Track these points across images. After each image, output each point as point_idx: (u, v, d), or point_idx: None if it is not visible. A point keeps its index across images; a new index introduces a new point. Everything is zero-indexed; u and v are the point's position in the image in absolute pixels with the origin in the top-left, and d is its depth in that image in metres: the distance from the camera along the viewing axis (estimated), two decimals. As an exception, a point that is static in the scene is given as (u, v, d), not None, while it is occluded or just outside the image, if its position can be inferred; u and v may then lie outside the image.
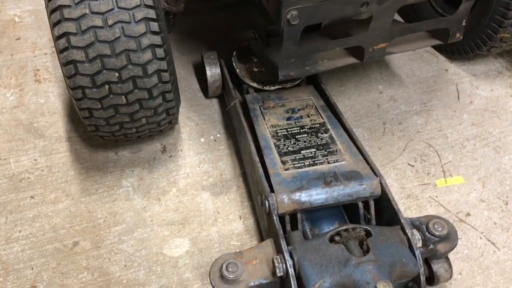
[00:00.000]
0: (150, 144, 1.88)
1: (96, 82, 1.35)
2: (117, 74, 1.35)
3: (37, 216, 1.65)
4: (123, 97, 1.40)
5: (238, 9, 2.49)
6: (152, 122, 1.58)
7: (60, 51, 1.31)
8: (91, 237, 1.60)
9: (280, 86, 1.81)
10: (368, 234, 1.28)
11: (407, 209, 1.69)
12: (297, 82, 1.84)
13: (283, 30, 1.43)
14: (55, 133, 1.91)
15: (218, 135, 1.93)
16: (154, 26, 1.34)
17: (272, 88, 1.81)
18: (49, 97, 2.05)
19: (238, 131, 1.79)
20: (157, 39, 1.35)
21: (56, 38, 1.30)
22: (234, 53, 1.94)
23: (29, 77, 2.14)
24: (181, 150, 1.87)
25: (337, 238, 1.28)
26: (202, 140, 1.91)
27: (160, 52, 1.37)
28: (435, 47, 2.29)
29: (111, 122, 1.50)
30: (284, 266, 1.21)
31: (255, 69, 1.89)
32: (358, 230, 1.30)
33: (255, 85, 1.83)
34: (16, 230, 1.61)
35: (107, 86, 1.36)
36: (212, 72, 1.95)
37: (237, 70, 1.87)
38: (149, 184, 1.75)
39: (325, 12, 1.44)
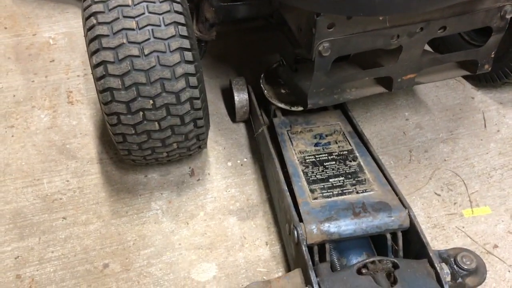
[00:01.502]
0: (179, 167, 1.91)
1: (131, 109, 1.39)
2: (151, 101, 1.39)
3: (69, 237, 1.69)
4: (156, 123, 1.45)
5: (265, 33, 2.54)
6: (183, 147, 1.62)
7: (97, 79, 1.37)
8: (121, 260, 1.63)
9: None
10: (395, 266, 1.29)
11: (434, 239, 1.69)
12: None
13: (315, 61, 1.46)
14: (86, 154, 1.96)
15: (245, 160, 1.96)
16: (188, 55, 1.39)
17: (300, 109, 1.84)
18: (81, 119, 2.11)
19: (265, 157, 1.82)
20: (190, 68, 1.40)
21: (94, 66, 1.36)
22: (262, 75, 1.98)
23: (62, 99, 2.20)
24: (208, 173, 1.91)
25: (364, 270, 1.29)
26: (229, 164, 1.95)
27: (193, 80, 1.42)
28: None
29: (143, 147, 1.54)
30: (313, 297, 1.23)
31: (283, 91, 1.92)
32: (385, 262, 1.30)
33: (282, 105, 1.85)
34: (49, 250, 1.66)
35: (141, 113, 1.41)
36: (240, 97, 1.99)
37: (265, 91, 1.90)
38: (178, 208, 1.78)
39: (356, 44, 1.47)
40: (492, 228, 1.72)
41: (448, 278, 1.29)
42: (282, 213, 1.57)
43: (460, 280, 1.32)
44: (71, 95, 2.22)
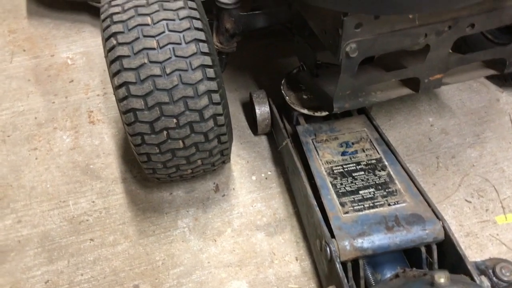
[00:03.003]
0: (203, 184, 1.90)
1: (155, 128, 1.39)
2: (175, 120, 1.38)
3: (97, 259, 1.69)
4: (180, 141, 1.44)
5: (283, 43, 2.53)
6: (207, 163, 1.61)
7: (120, 100, 1.36)
8: (151, 280, 1.62)
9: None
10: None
11: (467, 248, 1.65)
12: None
13: (341, 62, 1.43)
14: (110, 174, 1.96)
15: (269, 173, 1.94)
16: (210, 72, 1.38)
17: (324, 114, 1.81)
18: (103, 138, 2.11)
19: (290, 170, 1.80)
20: (213, 85, 1.39)
21: (116, 88, 1.35)
22: (282, 81, 1.95)
23: (83, 119, 2.21)
24: (233, 188, 1.89)
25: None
26: (254, 178, 1.93)
27: (216, 97, 1.40)
28: (486, 76, 2.26)
29: (168, 165, 1.53)
30: (350, 316, 1.20)
31: (304, 96, 1.89)
32: (419, 273, 1.27)
33: (305, 111, 1.83)
34: (78, 273, 1.65)
35: (165, 132, 1.40)
36: (262, 110, 1.97)
37: (286, 97, 1.88)
38: (204, 225, 1.77)
39: (384, 44, 1.43)
40: (527, 234, 1.68)
41: (489, 291, 1.25)
42: (312, 228, 1.55)
43: (500, 292, 1.28)
44: (92, 115, 2.23)
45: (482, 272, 1.31)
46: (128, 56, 1.33)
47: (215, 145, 1.52)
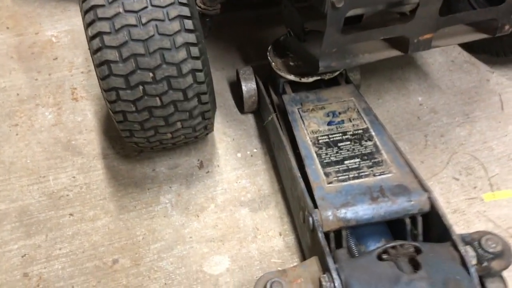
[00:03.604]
0: (187, 160, 1.86)
1: (130, 82, 1.32)
2: (151, 74, 1.32)
3: (76, 234, 1.65)
4: (157, 98, 1.37)
5: (269, 19, 2.49)
6: (188, 127, 1.53)
7: (94, 52, 1.30)
8: (131, 255, 1.58)
9: (318, 77, 1.76)
10: (417, 250, 1.22)
11: (454, 225, 1.58)
12: (335, 75, 1.79)
13: (327, 14, 1.37)
14: (92, 150, 1.92)
15: (255, 150, 1.91)
16: (188, 24, 1.32)
17: (310, 79, 1.76)
18: (86, 115, 2.06)
19: (276, 145, 1.76)
20: (191, 37, 1.33)
21: (90, 39, 1.30)
22: (269, 47, 1.90)
23: (67, 96, 2.16)
24: (218, 165, 1.85)
25: (385, 256, 1.22)
26: (239, 155, 1.89)
27: (194, 50, 1.34)
28: (478, 54, 2.24)
29: (145, 126, 1.46)
30: (332, 285, 1.16)
31: (291, 63, 1.84)
32: (407, 246, 1.24)
33: (292, 77, 1.77)
34: (56, 247, 1.61)
35: (141, 87, 1.34)
36: (248, 87, 1.93)
37: (273, 63, 1.83)
38: (187, 201, 1.73)
39: None
40: (515, 211, 1.65)
41: (474, 262, 1.22)
42: (296, 201, 1.51)
43: (485, 264, 1.25)
44: (76, 92, 2.18)
45: (468, 243, 1.28)
46: (102, 6, 1.27)
47: (195, 105, 1.44)
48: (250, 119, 2.04)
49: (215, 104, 1.60)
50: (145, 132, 1.49)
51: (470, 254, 1.22)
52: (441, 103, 2.05)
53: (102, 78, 1.32)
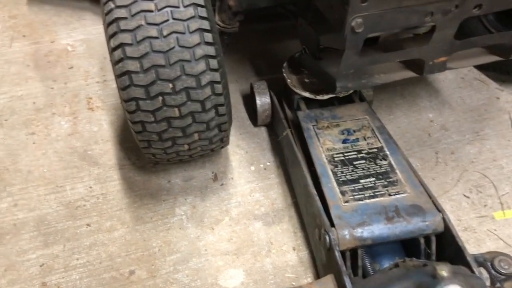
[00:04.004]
0: (202, 172, 1.89)
1: (150, 93, 1.36)
2: (171, 85, 1.35)
3: (93, 244, 1.68)
4: (176, 109, 1.40)
5: (284, 33, 2.52)
6: (204, 138, 1.55)
7: (115, 63, 1.34)
8: (147, 266, 1.61)
9: (333, 95, 1.79)
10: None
11: (465, 242, 1.62)
12: (350, 93, 1.83)
13: (346, 38, 1.41)
14: (108, 160, 1.95)
15: (268, 164, 1.94)
16: (208, 37, 1.36)
17: (325, 97, 1.79)
18: (102, 125, 2.10)
19: (290, 161, 1.79)
20: (210, 50, 1.36)
21: (112, 50, 1.33)
22: (284, 64, 1.94)
23: (82, 105, 2.20)
24: (232, 178, 1.88)
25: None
26: (252, 168, 1.92)
27: (213, 63, 1.38)
28: (488, 72, 2.27)
29: (163, 137, 1.49)
30: (349, 304, 1.20)
31: (306, 80, 1.87)
32: (418, 263, 1.27)
33: (307, 94, 1.81)
34: (74, 258, 1.64)
35: (160, 98, 1.37)
36: (262, 101, 1.97)
37: (288, 80, 1.86)
38: (202, 213, 1.76)
39: (390, 21, 1.42)
40: (525, 230, 1.68)
41: (488, 283, 1.25)
42: (311, 218, 1.54)
43: (498, 285, 1.28)
44: (91, 102, 2.21)
45: (481, 264, 1.31)
46: (125, 18, 1.31)
47: (212, 116, 1.47)
48: (263, 132, 2.07)
49: (231, 117, 1.63)
50: (163, 143, 1.51)
51: (484, 276, 1.26)
52: (451, 120, 2.08)
53: (122, 88, 1.35)
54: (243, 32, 1.95)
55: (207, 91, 1.40)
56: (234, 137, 2.04)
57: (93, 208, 1.78)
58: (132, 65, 1.32)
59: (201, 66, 1.36)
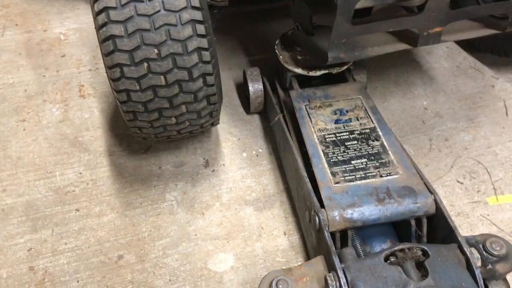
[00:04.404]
0: (193, 159, 1.87)
1: (135, 59, 1.31)
2: (156, 50, 1.31)
3: (82, 229, 1.66)
4: (162, 77, 1.35)
5: (274, 14, 2.51)
6: (192, 111, 1.50)
7: (99, 27, 1.30)
8: (136, 251, 1.59)
9: (326, 71, 1.77)
10: (425, 254, 1.23)
11: (458, 227, 1.61)
12: (343, 69, 1.80)
13: (338, 3, 1.38)
14: (99, 147, 1.93)
15: (260, 150, 1.92)
16: (195, 1, 1.32)
17: (318, 73, 1.77)
18: (93, 112, 2.08)
19: (282, 145, 1.77)
20: (197, 14, 1.32)
21: (96, 14, 1.30)
22: (277, 41, 1.91)
23: (74, 93, 2.18)
24: (223, 164, 1.86)
25: (392, 258, 1.23)
26: (244, 155, 1.90)
27: (200, 28, 1.33)
28: (484, 54, 2.26)
29: (149, 108, 1.43)
30: (337, 284, 1.17)
31: (299, 57, 1.84)
32: (415, 250, 1.24)
33: (299, 70, 1.78)
34: (62, 242, 1.62)
35: (145, 64, 1.33)
36: (255, 88, 1.95)
37: (280, 57, 1.84)
38: (193, 198, 1.74)
39: None
40: (519, 216, 1.66)
41: (479, 264, 1.23)
42: (301, 200, 1.52)
43: (490, 266, 1.26)
44: (83, 89, 2.19)
45: (473, 246, 1.29)
46: None
47: (200, 86, 1.42)
48: (255, 119, 2.05)
49: (221, 90, 1.57)
50: (148, 114, 1.46)
51: (475, 256, 1.24)
52: (446, 107, 2.06)
53: (106, 54, 1.31)
54: (234, 15, 1.93)
55: (194, 57, 1.35)
56: (226, 124, 2.02)
57: (82, 193, 1.76)
58: (116, 29, 1.28)
59: (188, 31, 1.31)
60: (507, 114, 2.02)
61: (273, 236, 1.63)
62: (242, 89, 2.16)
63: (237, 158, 1.89)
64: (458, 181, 1.77)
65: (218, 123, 1.72)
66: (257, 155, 1.90)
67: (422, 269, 1.20)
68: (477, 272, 1.20)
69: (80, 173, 1.83)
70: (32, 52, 2.40)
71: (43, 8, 2.70)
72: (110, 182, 1.80)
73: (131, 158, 1.88)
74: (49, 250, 1.60)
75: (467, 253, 1.23)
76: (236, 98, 2.15)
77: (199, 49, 1.36)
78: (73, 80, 2.24)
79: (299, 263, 1.53)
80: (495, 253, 1.26)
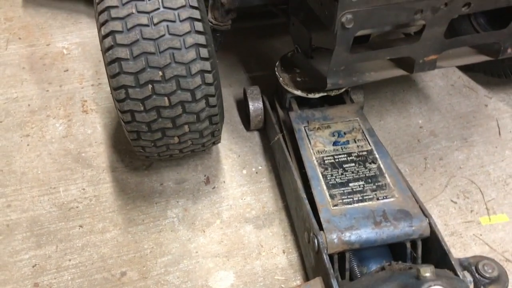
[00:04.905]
0: (194, 175, 1.92)
1: (140, 81, 1.36)
2: (160, 72, 1.36)
3: (86, 245, 1.69)
4: (165, 98, 1.40)
5: (278, 37, 2.56)
6: (195, 131, 1.54)
7: (105, 50, 1.35)
8: (138, 268, 1.63)
9: (325, 93, 1.82)
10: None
11: (451, 247, 1.68)
12: (341, 91, 1.85)
13: (337, 34, 1.43)
14: (102, 163, 1.97)
15: (260, 167, 1.96)
16: (199, 25, 1.37)
17: (317, 95, 1.82)
18: (96, 128, 2.12)
19: (281, 165, 1.82)
20: (201, 39, 1.37)
21: (102, 38, 1.35)
22: (277, 63, 1.96)
23: (77, 108, 2.22)
24: (224, 181, 1.91)
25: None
26: (244, 172, 1.95)
27: (204, 52, 1.39)
28: (478, 74, 2.32)
29: (153, 128, 1.47)
30: (335, 305, 1.22)
31: (298, 79, 1.89)
32: (404, 266, 1.30)
33: (299, 93, 1.83)
34: (66, 258, 1.66)
35: (150, 86, 1.37)
36: (255, 106, 1.99)
37: (280, 78, 1.89)
38: (194, 216, 1.78)
39: (380, 18, 1.44)
40: (511, 235, 1.71)
41: (471, 287, 1.28)
42: (300, 221, 1.57)
43: (482, 288, 1.31)
44: (86, 104, 2.23)
45: (465, 268, 1.34)
46: (116, 7, 1.33)
47: (203, 107, 1.46)
48: (255, 136, 2.10)
49: (223, 111, 1.62)
50: (152, 134, 1.49)
51: (468, 279, 1.29)
52: (441, 126, 2.12)
53: (112, 76, 1.36)
54: (235, 31, 1.96)
55: (197, 80, 1.40)
56: (227, 141, 2.06)
57: (85, 209, 1.80)
58: (122, 52, 1.33)
59: (191, 54, 1.36)
60: (500, 133, 2.08)
61: (272, 254, 1.67)
62: (242, 106, 2.21)
63: (237, 175, 1.94)
64: (452, 201, 1.82)
65: (219, 141, 1.77)
66: (256, 172, 1.95)
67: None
68: (469, 295, 1.25)
69: (84, 189, 1.87)
70: (35, 66, 2.44)
71: (46, 21, 2.74)
72: (113, 198, 1.84)
73: (133, 175, 1.92)
74: (54, 267, 1.63)
75: (460, 276, 1.28)
76: (236, 115, 2.20)
77: (202, 72, 1.41)
78: (76, 95, 2.28)
79: (298, 282, 1.58)
80: (487, 275, 1.32)
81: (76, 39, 2.61)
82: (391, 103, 2.23)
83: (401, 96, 2.27)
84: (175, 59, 1.36)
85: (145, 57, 1.34)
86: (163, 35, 1.34)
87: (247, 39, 2.60)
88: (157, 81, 1.37)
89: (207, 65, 1.41)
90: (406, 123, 2.14)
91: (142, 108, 1.41)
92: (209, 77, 1.42)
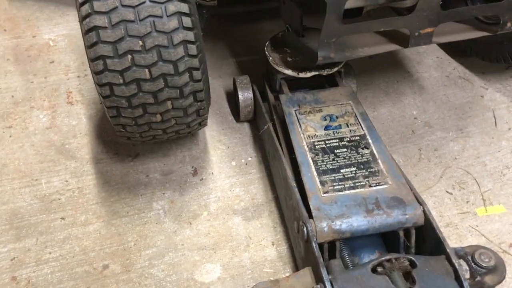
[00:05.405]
0: (181, 167, 1.86)
1: (118, 51, 1.28)
2: (140, 42, 1.28)
3: (67, 238, 1.63)
4: (146, 70, 1.32)
5: (263, 15, 2.51)
6: (178, 107, 1.44)
7: (82, 18, 1.27)
8: (121, 261, 1.56)
9: (317, 73, 1.76)
10: (412, 264, 1.22)
11: (447, 238, 1.59)
12: (334, 71, 1.79)
13: (327, 1, 1.37)
14: (86, 154, 1.91)
15: (249, 159, 1.90)
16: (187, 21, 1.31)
17: (308, 74, 1.76)
18: (81, 119, 2.05)
19: (271, 154, 1.76)
20: (183, 7, 1.30)
21: (80, 5, 1.27)
22: (267, 43, 1.90)
23: (62, 99, 2.15)
24: (212, 173, 1.85)
25: (380, 269, 1.22)
26: (233, 163, 1.89)
27: (186, 20, 1.31)
28: (473, 68, 2.27)
29: (133, 103, 1.38)
30: (325, 295, 1.16)
31: (289, 59, 1.83)
32: (402, 260, 1.23)
33: (289, 72, 1.77)
34: (46, 251, 1.59)
35: (129, 56, 1.29)
36: (245, 96, 1.94)
37: (270, 58, 1.83)
38: (180, 208, 1.72)
39: None
40: (507, 227, 1.65)
41: (467, 276, 1.22)
42: (290, 210, 1.51)
43: (478, 278, 1.25)
44: (71, 96, 2.17)
45: (461, 257, 1.28)
46: None
47: (187, 81, 1.38)
48: (245, 127, 2.04)
49: (209, 89, 1.53)
50: (132, 110, 1.41)
51: (463, 268, 1.23)
52: (436, 117, 2.06)
53: (89, 46, 1.28)
54: (223, 18, 1.91)
55: (180, 51, 1.32)
56: (216, 132, 2.00)
57: (68, 202, 1.74)
58: (100, 20, 1.25)
59: (173, 23, 1.28)
60: (496, 124, 2.03)
61: (261, 246, 1.61)
62: (232, 97, 2.15)
63: (226, 166, 1.87)
64: (447, 192, 1.77)
65: (205, 124, 1.69)
66: (246, 164, 1.88)
67: (410, 279, 1.19)
68: (466, 284, 1.19)
69: (67, 181, 1.81)
70: (20, 58, 2.38)
71: (33, 14, 2.68)
72: (97, 190, 1.78)
73: (118, 166, 1.86)
74: (33, 260, 1.57)
75: (456, 264, 1.22)
76: (226, 106, 2.14)
77: (185, 42, 1.32)
78: (61, 87, 2.22)
79: (287, 274, 1.52)
80: (484, 265, 1.26)
81: (63, 31, 2.55)
82: (385, 94, 2.18)
83: (395, 87, 2.21)
84: (156, 28, 1.28)
85: (124, 25, 1.26)
86: (143, 2, 1.26)
87: (235, 27, 2.55)
88: (137, 51, 1.29)
89: (190, 35, 1.32)
90: (400, 114, 2.08)
91: (121, 81, 1.32)
92: (192, 48, 1.34)
